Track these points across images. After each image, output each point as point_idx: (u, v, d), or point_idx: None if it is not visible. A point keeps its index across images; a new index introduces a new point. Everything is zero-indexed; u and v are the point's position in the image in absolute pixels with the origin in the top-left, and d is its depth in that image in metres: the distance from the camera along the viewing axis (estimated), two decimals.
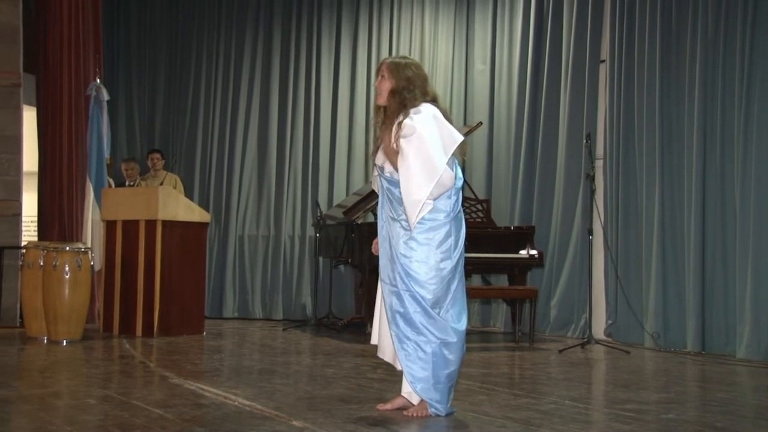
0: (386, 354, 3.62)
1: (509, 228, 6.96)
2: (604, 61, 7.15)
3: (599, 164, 7.02)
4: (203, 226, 6.85)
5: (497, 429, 3.28)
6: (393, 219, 3.52)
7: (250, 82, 8.83)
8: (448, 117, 3.53)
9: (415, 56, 8.30)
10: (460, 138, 3.43)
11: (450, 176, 3.40)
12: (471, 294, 7.26)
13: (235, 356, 5.65)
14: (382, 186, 3.60)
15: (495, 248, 6.65)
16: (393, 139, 3.45)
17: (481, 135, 7.81)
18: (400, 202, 3.44)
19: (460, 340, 3.48)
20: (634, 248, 6.73)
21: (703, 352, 6.13)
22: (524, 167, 7.53)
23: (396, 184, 3.47)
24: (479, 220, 6.88)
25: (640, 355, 6.05)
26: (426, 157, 3.35)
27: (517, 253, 6.67)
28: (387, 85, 3.54)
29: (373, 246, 3.74)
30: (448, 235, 3.47)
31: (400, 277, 3.43)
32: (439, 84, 8.20)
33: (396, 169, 3.45)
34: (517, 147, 7.63)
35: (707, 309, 6.21)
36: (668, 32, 6.59)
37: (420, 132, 3.37)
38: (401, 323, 3.43)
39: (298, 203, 8.58)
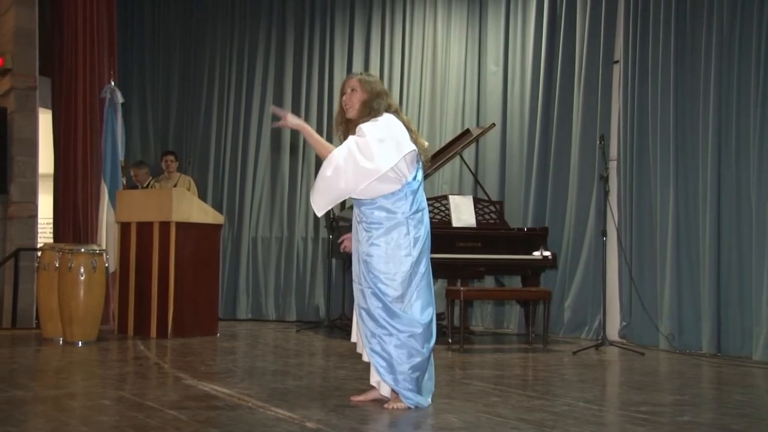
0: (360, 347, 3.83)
1: (522, 229, 6.94)
2: (617, 61, 7.12)
3: (613, 165, 6.99)
4: (217, 227, 6.88)
5: (511, 431, 3.27)
6: (358, 222, 3.77)
7: (263, 84, 8.85)
8: (409, 127, 3.78)
9: (428, 58, 8.32)
10: (408, 149, 3.62)
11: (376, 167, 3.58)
12: (484, 296, 7.31)
13: (248, 357, 5.66)
14: None
15: (508, 249, 6.64)
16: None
17: (494, 136, 7.80)
18: (363, 204, 3.71)
19: (426, 331, 3.66)
20: (648, 249, 6.70)
21: (719, 354, 6.08)
22: (537, 168, 7.52)
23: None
24: (492, 221, 6.87)
25: (655, 356, 6.01)
26: (355, 156, 3.62)
27: (531, 254, 6.65)
28: (358, 97, 3.79)
29: (344, 243, 4.03)
30: (406, 234, 3.67)
31: (364, 275, 3.67)
32: (451, 85, 8.20)
33: None
34: (530, 148, 7.61)
35: (723, 310, 6.16)
36: (682, 32, 6.56)
37: (365, 132, 3.65)
38: (366, 318, 3.67)
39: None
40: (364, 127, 3.68)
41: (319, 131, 8.65)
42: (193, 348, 5.88)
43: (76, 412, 3.55)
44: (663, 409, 3.83)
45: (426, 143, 3.89)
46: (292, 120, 3.78)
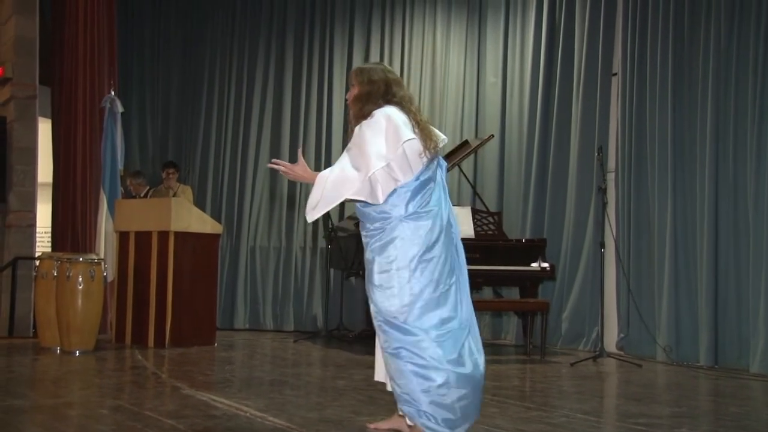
0: (381, 375, 3.42)
1: (521, 240, 6.95)
2: (616, 74, 7.15)
3: (611, 177, 7.01)
4: (215, 237, 6.88)
5: None
6: (365, 236, 3.28)
7: (262, 94, 8.88)
8: (417, 119, 3.20)
9: (427, 69, 8.33)
10: (407, 136, 3.09)
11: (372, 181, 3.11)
12: (482, 306, 7.30)
13: (246, 367, 5.66)
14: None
15: (506, 261, 6.65)
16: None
17: (492, 148, 7.82)
18: (369, 219, 3.22)
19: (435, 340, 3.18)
20: (646, 261, 6.71)
21: (716, 366, 6.09)
22: (536, 180, 7.54)
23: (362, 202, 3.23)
24: (491, 232, 6.88)
25: (652, 368, 6.01)
26: (342, 169, 3.16)
27: (529, 265, 6.66)
28: (353, 93, 3.30)
29: (281, 165, 3.37)
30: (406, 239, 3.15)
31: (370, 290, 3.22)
32: (450, 96, 8.22)
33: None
34: (528, 160, 7.63)
35: (720, 322, 6.17)
36: (680, 45, 6.59)
37: (356, 139, 3.19)
38: (382, 336, 3.20)
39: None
40: (357, 132, 3.22)
41: (318, 142, 8.71)
42: (191, 357, 5.87)
43: (73, 421, 3.55)
44: (660, 421, 3.83)
45: (442, 136, 3.27)
46: (300, 172, 3.30)
